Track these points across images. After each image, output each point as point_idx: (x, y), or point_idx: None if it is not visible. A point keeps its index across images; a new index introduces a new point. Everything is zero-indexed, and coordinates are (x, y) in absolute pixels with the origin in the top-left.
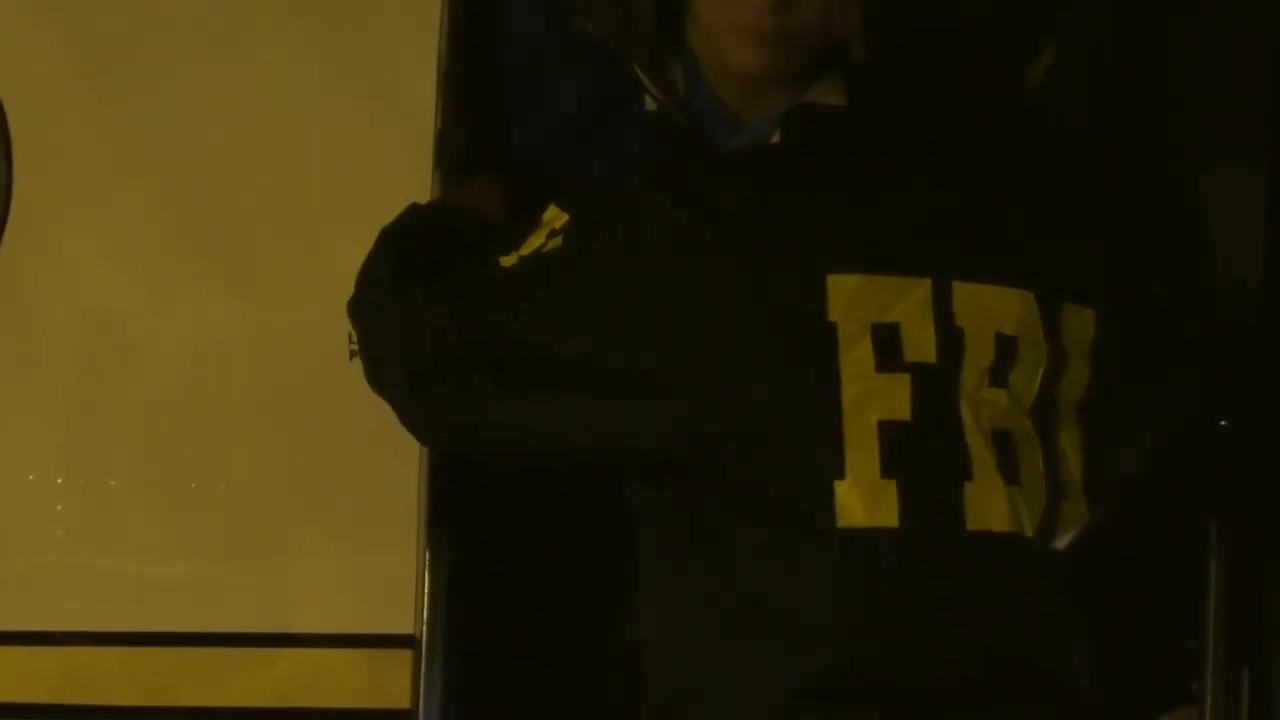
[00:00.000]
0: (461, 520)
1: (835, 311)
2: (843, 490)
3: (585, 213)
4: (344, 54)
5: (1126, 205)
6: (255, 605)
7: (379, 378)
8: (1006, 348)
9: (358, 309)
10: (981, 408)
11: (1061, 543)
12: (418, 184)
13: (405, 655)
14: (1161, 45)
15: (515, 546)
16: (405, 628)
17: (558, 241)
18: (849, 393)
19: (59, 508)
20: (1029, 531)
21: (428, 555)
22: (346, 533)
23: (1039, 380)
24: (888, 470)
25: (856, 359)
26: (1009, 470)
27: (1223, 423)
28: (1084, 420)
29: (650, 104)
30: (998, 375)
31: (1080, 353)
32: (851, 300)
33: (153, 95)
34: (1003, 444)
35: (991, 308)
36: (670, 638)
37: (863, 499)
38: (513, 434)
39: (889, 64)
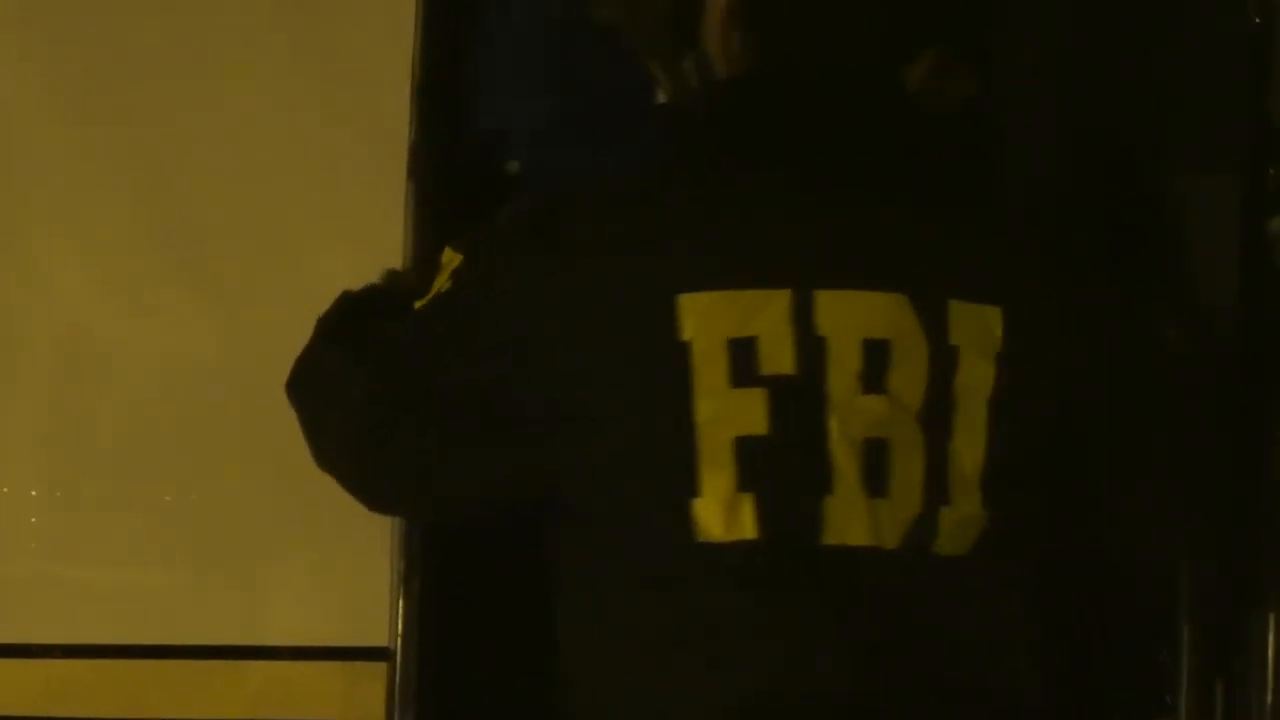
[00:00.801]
0: (436, 532)
1: (688, 331)
2: (699, 507)
3: (470, 253)
4: (318, 67)
5: (1099, 215)
6: (230, 618)
7: (322, 448)
8: (878, 351)
9: (292, 386)
10: (852, 416)
11: (959, 547)
12: (391, 196)
13: (380, 668)
14: (1136, 51)
15: (490, 558)
16: (380, 640)
17: (448, 284)
18: (703, 410)
19: (33, 520)
20: (890, 544)
21: (402, 567)
22: (321, 545)
23: (925, 381)
24: (744, 485)
25: (711, 376)
26: (875, 481)
27: None
28: (993, 417)
29: (662, 96)
30: (872, 381)
31: (980, 350)
32: (706, 318)
33: (127, 108)
34: (873, 453)
35: (858, 313)
36: (580, 672)
37: (720, 514)
38: (431, 480)
39: (755, 80)
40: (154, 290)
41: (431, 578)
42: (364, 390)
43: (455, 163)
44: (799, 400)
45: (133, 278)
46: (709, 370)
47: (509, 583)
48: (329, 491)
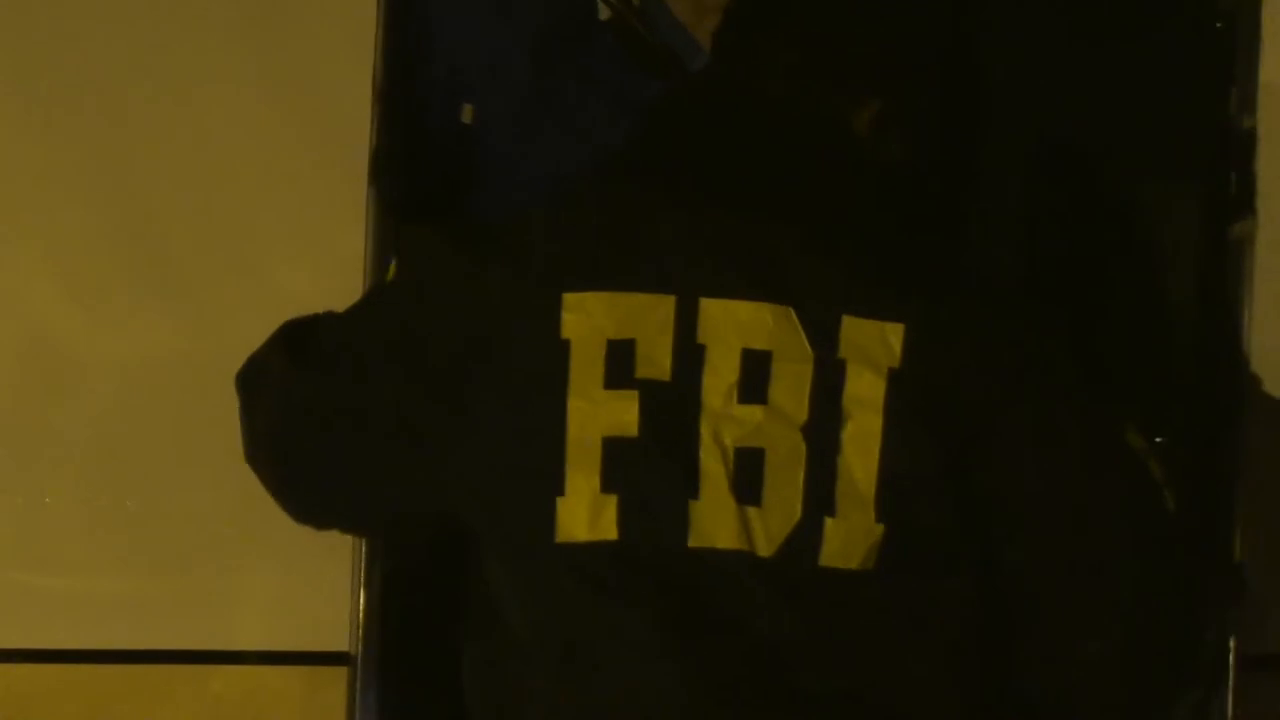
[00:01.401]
0: (396, 538)
1: (569, 329)
2: (562, 507)
3: (399, 260)
4: (279, 73)
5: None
6: (192, 623)
7: (246, 447)
8: (757, 362)
9: (237, 378)
10: (726, 424)
11: (851, 560)
12: (352, 201)
13: (341, 673)
14: (1098, 56)
15: (448, 564)
16: (340, 645)
17: (374, 293)
18: (574, 410)
19: None
20: (763, 551)
21: (363, 572)
22: (282, 550)
23: (809, 394)
24: (608, 486)
25: (585, 376)
26: (747, 488)
27: (1158, 439)
28: (887, 433)
29: (603, 12)
30: (750, 391)
31: (872, 366)
32: (588, 316)
33: (88, 113)
34: (746, 462)
35: (741, 323)
36: (482, 679)
37: (584, 514)
38: (335, 496)
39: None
40: (116, 296)
41: (391, 583)
42: (285, 396)
43: (417, 168)
44: (671, 405)
45: (95, 284)
46: (585, 370)
47: (467, 588)
48: None
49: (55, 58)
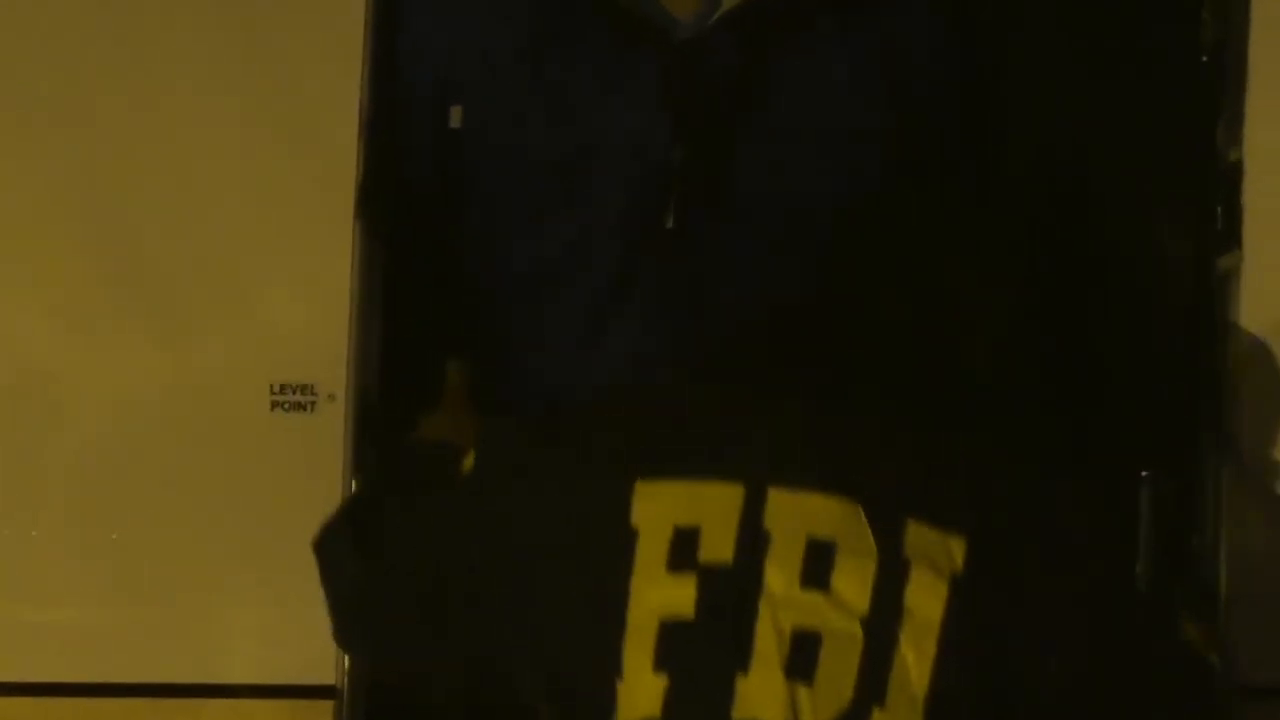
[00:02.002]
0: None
1: (639, 517)
2: (621, 689)
3: (479, 452)
4: (267, 103)
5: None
6: (178, 655)
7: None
8: (821, 551)
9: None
10: (786, 608)
11: None
12: (339, 233)
13: (328, 706)
14: (1087, 88)
15: None
16: (328, 679)
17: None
18: (636, 592)
19: None
20: None
21: None
22: (270, 584)
23: (871, 587)
24: (660, 665)
25: (650, 560)
26: (799, 667)
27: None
28: (945, 638)
29: None
30: (813, 577)
31: (936, 570)
32: (659, 505)
33: (75, 144)
34: (802, 643)
35: (807, 513)
36: None
37: (639, 695)
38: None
39: None
40: (102, 326)
41: None
42: (357, 589)
43: (404, 199)
44: (731, 588)
45: (80, 314)
46: (650, 554)
47: None
48: (276, 530)
49: (41, 86)
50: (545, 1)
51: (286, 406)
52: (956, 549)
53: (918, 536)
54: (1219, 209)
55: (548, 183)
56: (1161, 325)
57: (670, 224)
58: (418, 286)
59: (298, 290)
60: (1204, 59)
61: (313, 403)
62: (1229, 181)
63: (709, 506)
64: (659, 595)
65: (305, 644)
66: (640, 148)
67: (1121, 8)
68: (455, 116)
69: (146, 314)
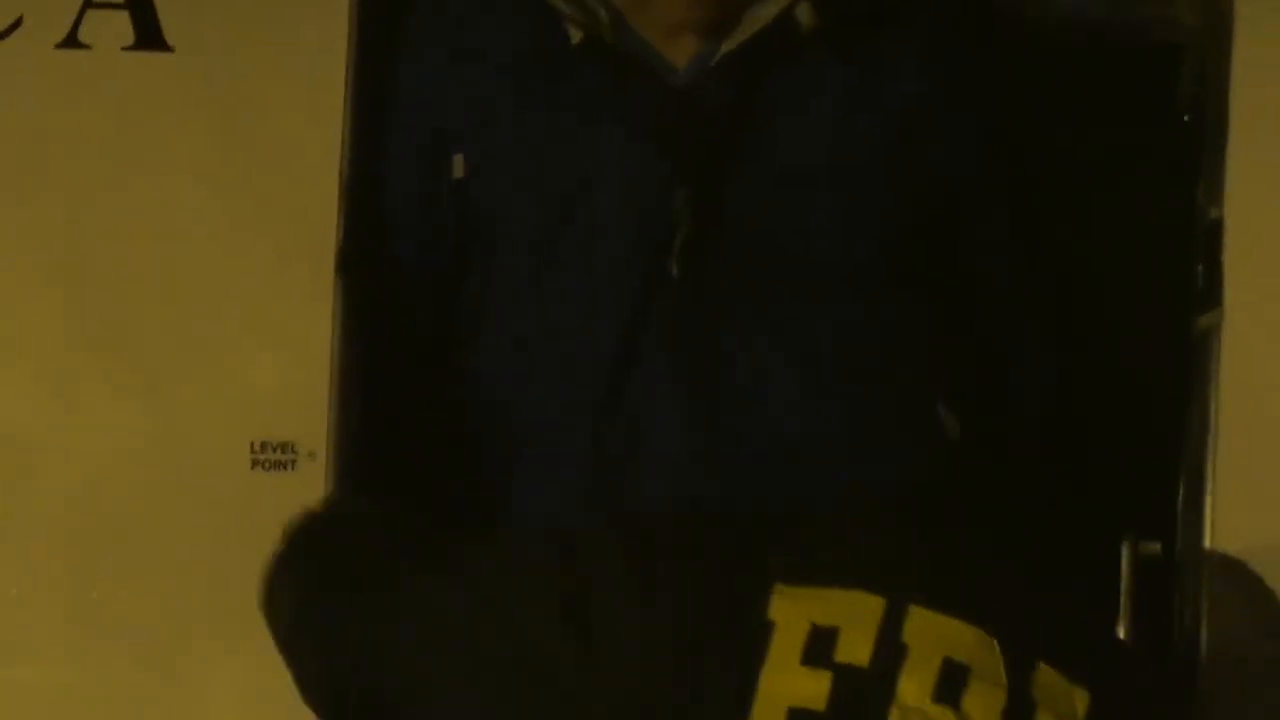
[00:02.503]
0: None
1: (776, 611)
2: None
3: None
4: (246, 166)
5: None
6: (156, 715)
7: None
8: (955, 672)
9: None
10: (916, 718)
11: None
12: (318, 291)
13: None
14: (1068, 147)
15: None
16: None
17: None
18: (767, 680)
19: None
20: None
21: None
22: (248, 639)
23: (1000, 715)
24: None
25: (785, 651)
26: None
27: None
28: None
29: (575, 37)
30: (945, 694)
31: (1058, 714)
32: (798, 604)
33: (56, 202)
34: None
35: (945, 635)
36: None
37: None
38: None
39: None
40: (82, 387)
41: None
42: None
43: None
44: (865, 690)
45: (61, 374)
46: (785, 646)
47: None
48: (255, 586)
49: (24, 147)
50: (543, 50)
51: (267, 465)
52: (1080, 701)
53: (1046, 679)
54: (1200, 267)
55: (549, 232)
56: (1143, 383)
57: (675, 272)
58: (405, 351)
59: (277, 348)
60: (1184, 118)
61: (293, 461)
62: (1210, 239)
63: (849, 611)
64: (791, 686)
65: (288, 699)
66: (640, 193)
67: (1103, 66)
68: (458, 165)
69: (126, 372)
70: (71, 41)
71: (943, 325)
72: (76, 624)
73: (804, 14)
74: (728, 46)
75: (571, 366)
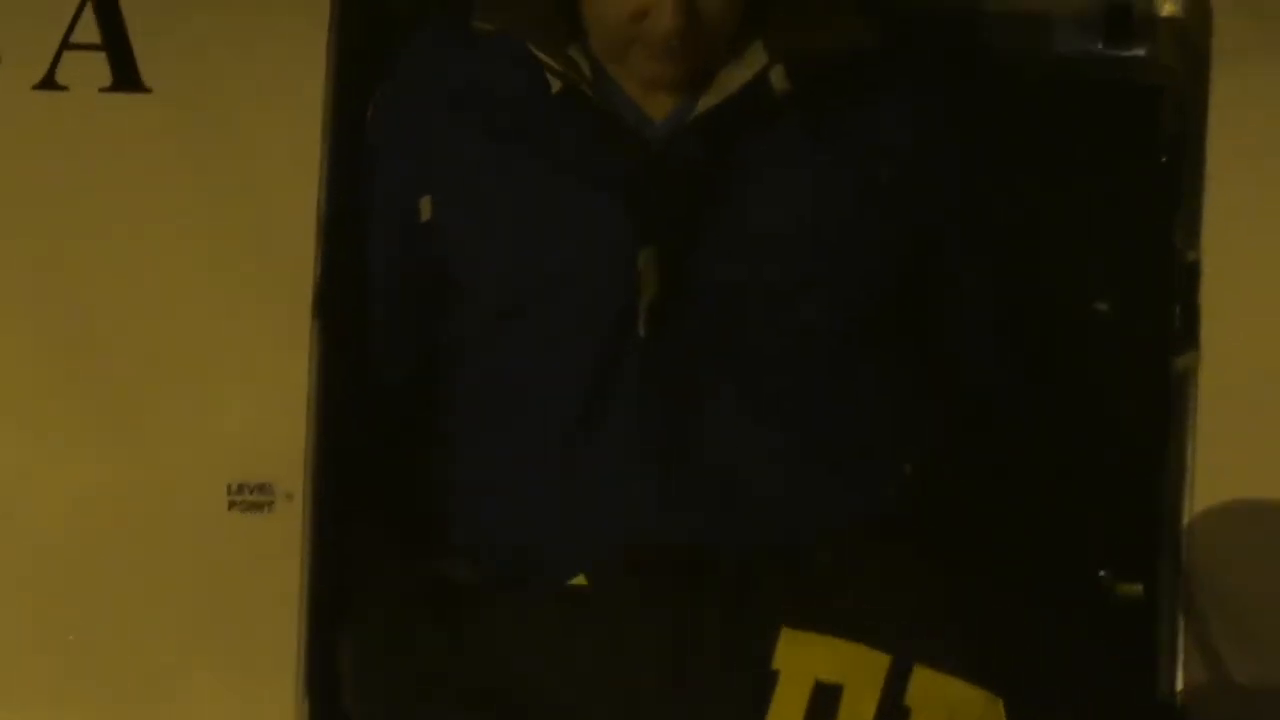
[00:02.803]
0: (340, 671)
1: (782, 659)
2: None
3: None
4: (224, 204)
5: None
6: None
7: None
8: None
9: None
10: None
11: None
12: (295, 332)
13: None
14: (1047, 190)
15: None
16: None
17: None
18: None
19: None
20: None
21: (307, 708)
22: (225, 683)
23: None
24: None
25: (787, 706)
26: None
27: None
28: None
29: (555, 86)
30: None
31: None
32: (803, 652)
33: (31, 243)
34: None
35: (950, 698)
36: None
37: None
38: None
39: None
40: (58, 429)
41: (335, 717)
42: None
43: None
44: None
45: (37, 417)
46: (788, 700)
47: None
48: (233, 631)
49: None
50: (523, 98)
51: (244, 506)
52: None
53: None
54: (1177, 308)
55: (514, 281)
56: (1120, 425)
57: (643, 332)
58: (377, 387)
59: (254, 389)
60: (1162, 159)
61: (270, 502)
62: (1187, 281)
63: (854, 667)
64: None
65: None
66: (605, 250)
67: (1080, 107)
68: (426, 208)
69: (102, 414)
70: (49, 83)
71: (913, 386)
72: (53, 667)
73: (777, 78)
74: (702, 106)
75: (535, 421)
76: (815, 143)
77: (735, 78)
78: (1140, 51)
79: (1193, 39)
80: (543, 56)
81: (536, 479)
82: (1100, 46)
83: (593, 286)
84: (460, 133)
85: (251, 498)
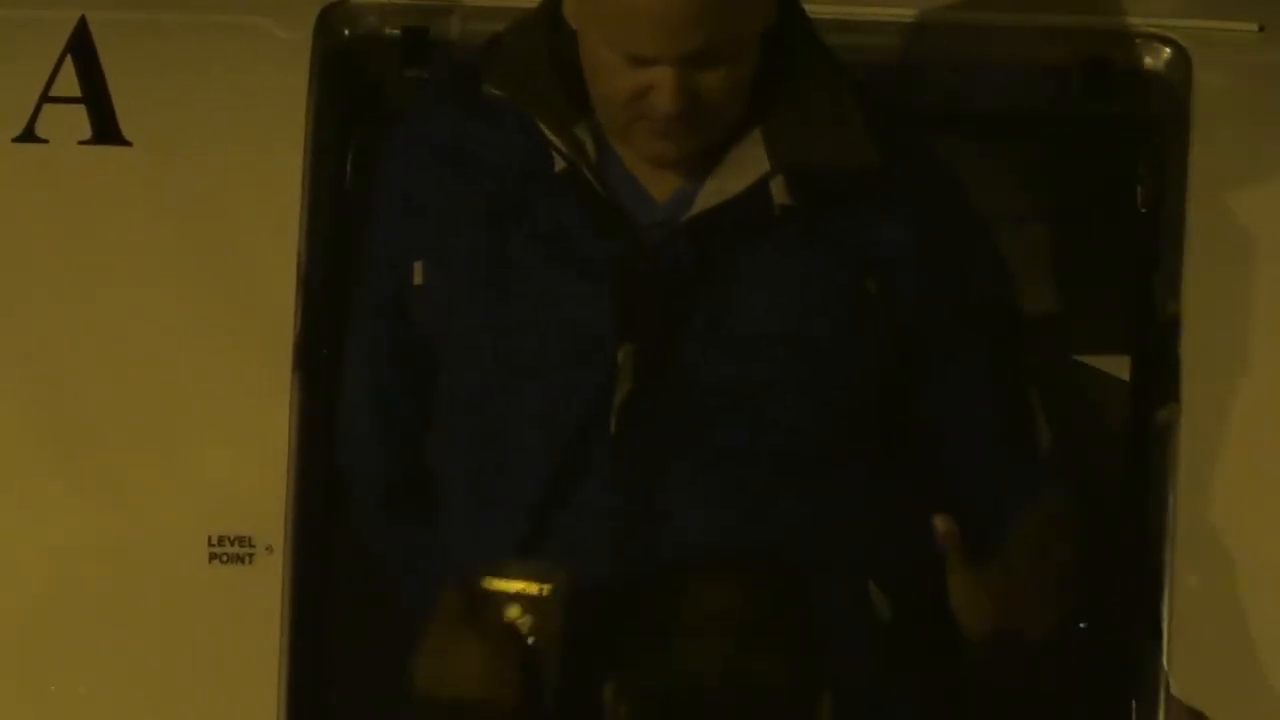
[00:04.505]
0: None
1: None
2: None
3: None
4: (203, 259)
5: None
6: None
7: None
8: None
9: None
10: None
11: None
12: (278, 389)
13: None
14: (1029, 241)
15: None
16: None
17: None
18: None
19: None
20: None
21: None
22: None
23: None
24: None
25: None
26: None
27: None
28: None
29: (559, 164)
30: None
31: None
32: None
33: (11, 297)
34: None
35: None
36: None
37: None
38: None
39: None
40: (38, 481)
41: None
42: None
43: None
44: None
45: (16, 470)
46: None
47: None
48: (213, 682)
49: None
50: (527, 172)
51: (224, 558)
52: None
53: None
54: (1159, 360)
55: (493, 358)
56: (1099, 479)
57: (614, 428)
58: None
59: (235, 442)
60: (1142, 211)
61: (250, 554)
62: (1166, 334)
63: None
64: None
65: None
66: (584, 341)
67: (1059, 158)
68: (418, 273)
69: (82, 466)
70: (29, 136)
71: (888, 502)
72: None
73: (778, 190)
74: (699, 207)
75: (502, 499)
76: (808, 250)
77: (735, 179)
78: (1120, 103)
79: (1173, 92)
80: (548, 133)
81: (503, 550)
82: (1079, 96)
83: (570, 375)
84: (459, 201)
85: (232, 550)
